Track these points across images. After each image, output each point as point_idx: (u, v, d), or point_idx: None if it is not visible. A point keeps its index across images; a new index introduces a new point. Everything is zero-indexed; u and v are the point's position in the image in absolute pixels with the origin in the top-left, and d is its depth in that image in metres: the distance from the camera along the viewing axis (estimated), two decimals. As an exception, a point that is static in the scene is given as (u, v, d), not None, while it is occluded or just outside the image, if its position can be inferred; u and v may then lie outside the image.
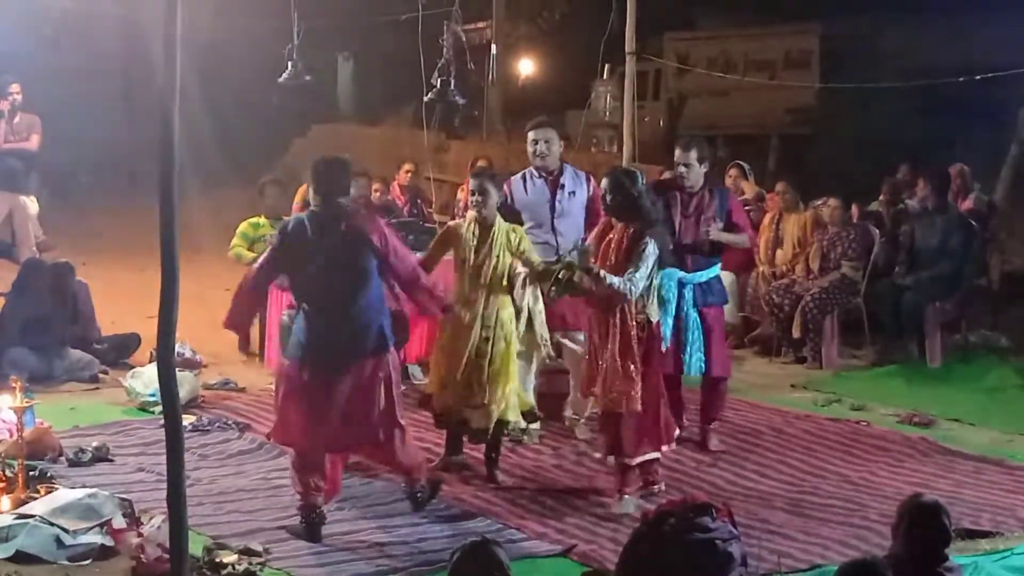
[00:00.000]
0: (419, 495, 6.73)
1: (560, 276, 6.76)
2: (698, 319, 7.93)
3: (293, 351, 6.55)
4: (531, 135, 8.29)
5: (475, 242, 7.26)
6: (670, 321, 7.61)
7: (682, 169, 8.02)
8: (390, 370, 6.51)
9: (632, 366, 6.75)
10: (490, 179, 7.43)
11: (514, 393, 7.33)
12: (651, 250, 6.74)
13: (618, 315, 6.75)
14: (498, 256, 7.23)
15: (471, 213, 7.37)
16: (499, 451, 7.46)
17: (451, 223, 7.52)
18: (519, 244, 7.30)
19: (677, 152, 8.09)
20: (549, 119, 8.54)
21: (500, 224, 7.30)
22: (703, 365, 7.99)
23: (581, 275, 6.71)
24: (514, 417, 7.35)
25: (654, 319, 6.85)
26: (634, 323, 6.78)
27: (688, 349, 7.87)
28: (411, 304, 6.95)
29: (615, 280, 6.64)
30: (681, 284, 7.82)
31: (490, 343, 7.21)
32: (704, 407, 8.18)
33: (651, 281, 6.78)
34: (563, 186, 8.23)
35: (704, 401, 8.20)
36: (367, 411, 6.45)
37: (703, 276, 7.99)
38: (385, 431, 6.53)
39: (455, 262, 7.42)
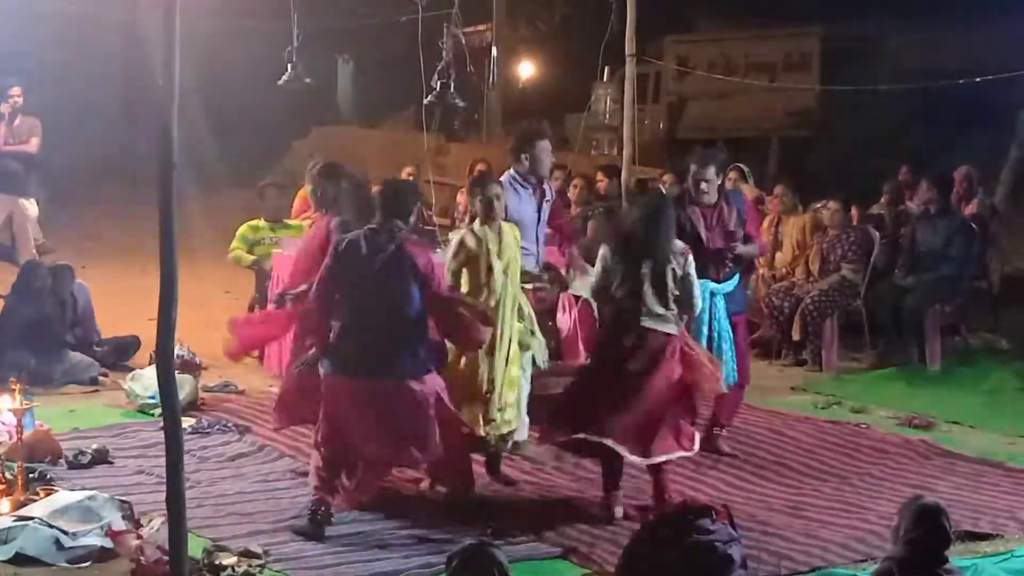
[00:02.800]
0: (459, 506, 6.82)
1: None
2: (730, 329, 7.94)
3: (334, 361, 6.60)
4: (546, 145, 8.18)
5: (498, 248, 7.18)
6: (705, 331, 7.68)
7: (703, 186, 7.89)
8: (432, 392, 6.58)
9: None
10: (494, 183, 7.35)
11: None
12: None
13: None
14: (512, 257, 7.21)
15: (477, 223, 7.26)
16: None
17: (465, 238, 7.24)
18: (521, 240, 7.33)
19: (694, 169, 7.91)
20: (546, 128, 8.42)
21: (504, 225, 7.28)
22: (735, 375, 7.98)
23: None
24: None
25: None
26: None
27: (722, 359, 7.84)
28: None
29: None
30: (712, 294, 7.82)
31: (508, 355, 7.19)
32: (720, 411, 8.11)
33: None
34: (544, 193, 8.10)
35: (721, 406, 8.10)
36: (396, 431, 6.55)
37: (730, 285, 8.01)
38: (426, 453, 6.63)
39: (474, 273, 7.21)
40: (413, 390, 6.53)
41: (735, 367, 7.93)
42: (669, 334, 6.83)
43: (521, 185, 7.94)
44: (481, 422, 7.13)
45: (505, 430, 7.27)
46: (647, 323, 6.79)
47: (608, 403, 6.76)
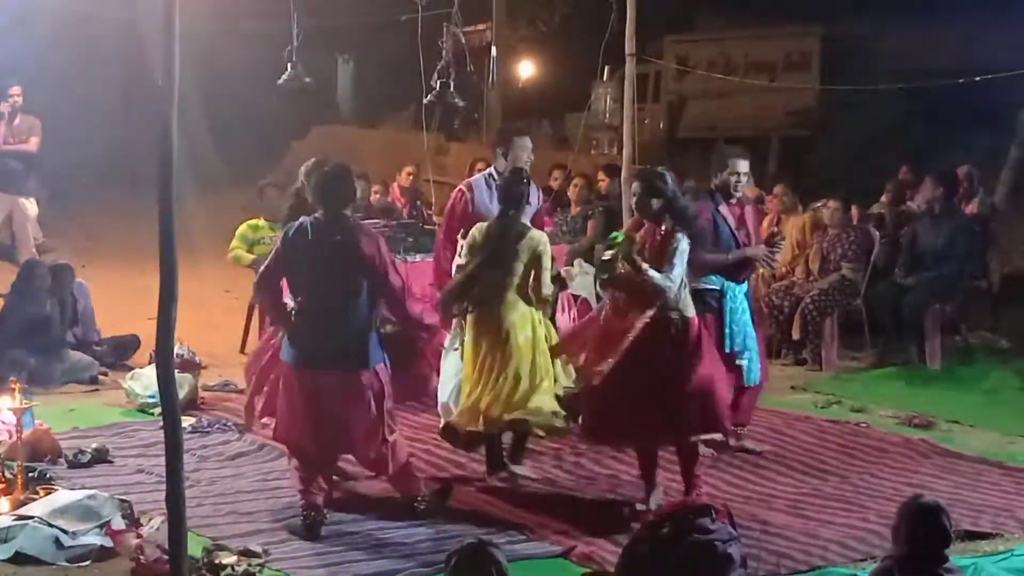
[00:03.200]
0: (420, 506, 6.72)
1: (607, 259, 6.74)
2: (753, 329, 7.98)
3: (286, 353, 6.63)
4: (527, 142, 8.21)
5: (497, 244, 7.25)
6: (736, 329, 7.76)
7: (742, 179, 7.96)
8: (379, 384, 6.54)
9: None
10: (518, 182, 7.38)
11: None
12: (684, 247, 6.73)
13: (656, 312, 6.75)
14: (513, 258, 7.20)
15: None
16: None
17: (474, 232, 7.35)
18: (535, 248, 7.25)
19: (734, 162, 7.92)
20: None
21: (520, 226, 7.28)
22: (759, 374, 8.02)
23: (623, 263, 6.70)
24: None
25: (690, 314, 6.83)
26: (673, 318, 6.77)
27: (747, 357, 7.87)
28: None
29: (655, 275, 6.63)
30: (735, 293, 7.87)
31: (522, 349, 7.17)
32: (739, 411, 7.99)
33: (683, 278, 6.81)
34: (528, 196, 7.89)
35: (740, 405, 8.03)
36: (353, 422, 6.52)
37: (745, 285, 8.06)
38: (373, 445, 6.59)
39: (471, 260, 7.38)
40: (361, 381, 6.48)
41: (758, 367, 7.98)
42: (687, 317, 6.83)
43: (495, 182, 8.00)
44: (499, 412, 7.12)
45: (536, 420, 7.19)
46: (668, 311, 6.75)
47: (645, 400, 6.70)
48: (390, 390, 6.64)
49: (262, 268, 6.78)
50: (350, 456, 6.98)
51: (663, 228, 6.81)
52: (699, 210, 7.53)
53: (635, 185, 7.04)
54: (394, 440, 6.68)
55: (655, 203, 6.85)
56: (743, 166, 7.98)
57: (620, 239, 6.81)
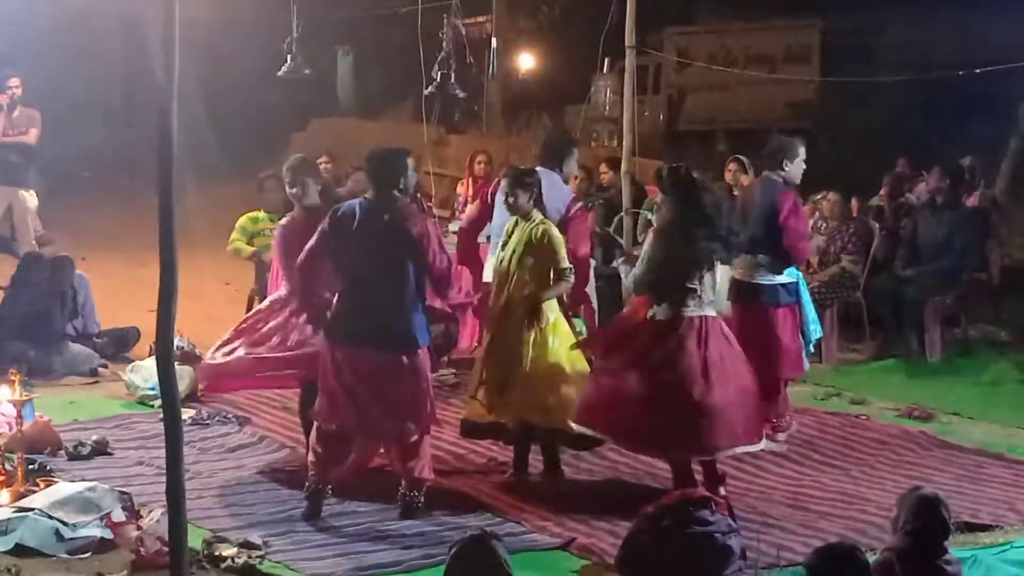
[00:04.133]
0: (413, 503, 6.66)
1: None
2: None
3: (329, 331, 6.64)
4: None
5: (505, 238, 7.27)
6: (811, 318, 8.05)
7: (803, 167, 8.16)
8: (418, 368, 6.55)
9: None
10: (515, 179, 7.31)
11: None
12: (644, 247, 6.80)
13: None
14: (522, 252, 7.18)
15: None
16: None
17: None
18: (541, 241, 7.18)
19: (802, 150, 8.14)
20: None
21: (533, 220, 7.21)
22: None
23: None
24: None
25: (707, 313, 6.83)
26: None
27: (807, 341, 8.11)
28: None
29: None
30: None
31: (535, 344, 7.15)
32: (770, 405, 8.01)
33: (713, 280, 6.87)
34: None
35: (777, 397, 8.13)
36: (389, 404, 6.52)
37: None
38: (403, 429, 6.58)
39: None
40: (404, 362, 6.50)
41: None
42: (714, 317, 6.84)
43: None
44: (518, 409, 7.13)
45: (554, 424, 7.16)
46: (696, 311, 6.75)
47: (683, 409, 6.63)
48: (428, 376, 6.65)
49: (307, 248, 6.70)
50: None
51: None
52: (784, 199, 7.83)
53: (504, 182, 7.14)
54: (425, 427, 6.67)
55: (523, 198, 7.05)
56: (804, 152, 8.16)
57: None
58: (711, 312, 6.82)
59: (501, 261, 7.28)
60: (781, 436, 8.02)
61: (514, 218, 7.32)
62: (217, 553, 5.91)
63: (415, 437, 6.62)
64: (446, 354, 7.65)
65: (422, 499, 6.68)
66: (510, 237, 7.26)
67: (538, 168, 7.70)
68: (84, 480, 6.64)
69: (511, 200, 7.24)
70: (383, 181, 6.65)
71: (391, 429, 6.63)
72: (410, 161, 6.86)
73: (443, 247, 6.72)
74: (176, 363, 5.02)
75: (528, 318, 7.08)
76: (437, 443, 7.72)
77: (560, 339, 7.19)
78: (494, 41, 18.18)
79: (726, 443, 6.75)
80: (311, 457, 6.71)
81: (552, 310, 7.20)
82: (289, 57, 9.79)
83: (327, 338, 6.65)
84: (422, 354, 6.60)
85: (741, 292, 8.04)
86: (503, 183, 7.40)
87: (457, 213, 11.74)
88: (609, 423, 6.84)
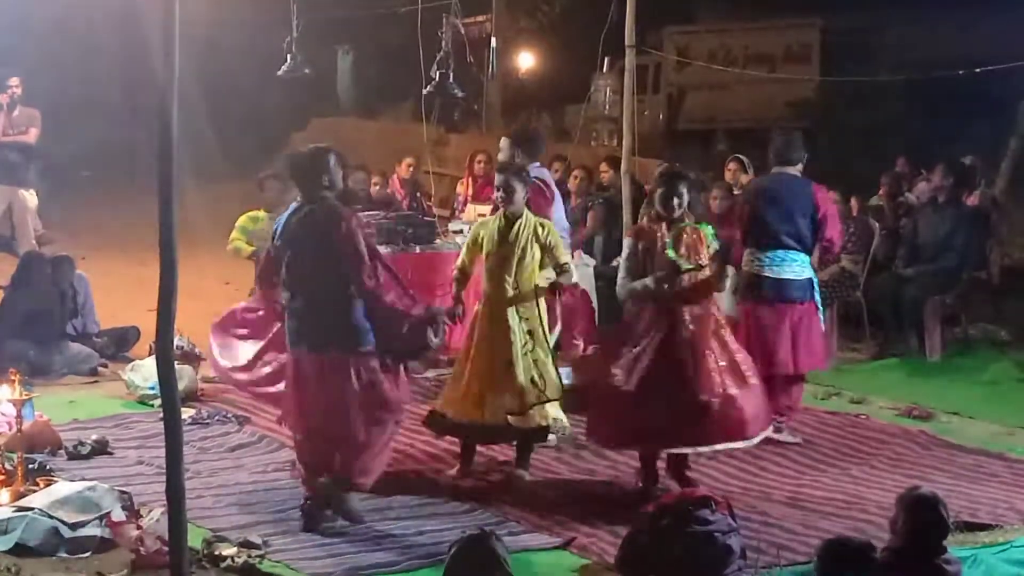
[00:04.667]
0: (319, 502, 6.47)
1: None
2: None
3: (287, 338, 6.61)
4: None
5: (497, 235, 7.20)
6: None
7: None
8: (357, 370, 6.39)
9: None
10: (515, 175, 7.31)
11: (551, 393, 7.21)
12: (623, 249, 6.84)
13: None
14: (524, 248, 7.17)
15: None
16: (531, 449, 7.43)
17: (478, 227, 7.34)
18: (547, 237, 7.22)
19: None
20: None
21: (528, 217, 7.24)
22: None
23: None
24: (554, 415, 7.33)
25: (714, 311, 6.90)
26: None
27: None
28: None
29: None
30: None
31: (524, 343, 7.15)
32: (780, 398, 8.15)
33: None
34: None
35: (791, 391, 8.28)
36: (332, 407, 6.42)
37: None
38: (347, 432, 6.45)
39: (473, 261, 7.38)
40: (341, 364, 6.38)
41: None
42: (711, 313, 6.85)
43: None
44: (505, 412, 7.11)
45: (536, 423, 7.20)
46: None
47: (678, 404, 6.67)
48: (380, 378, 6.47)
49: (262, 264, 6.78)
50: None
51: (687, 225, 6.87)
52: (819, 193, 8.04)
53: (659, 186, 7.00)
54: (376, 435, 6.51)
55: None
56: None
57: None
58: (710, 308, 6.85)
59: (489, 258, 7.22)
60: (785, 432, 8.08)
61: (490, 217, 7.27)
62: (217, 552, 5.90)
63: (361, 438, 6.45)
64: (419, 356, 7.52)
65: (339, 499, 6.47)
66: (491, 235, 7.19)
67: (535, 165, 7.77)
68: (84, 479, 6.63)
69: (509, 196, 7.17)
70: (307, 183, 6.53)
71: (338, 432, 6.47)
72: (332, 157, 6.59)
73: (373, 252, 6.49)
74: (176, 362, 5.03)
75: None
76: (434, 443, 7.73)
77: (538, 342, 7.20)
78: (494, 40, 18.11)
79: (720, 439, 6.79)
80: (300, 469, 6.67)
81: (533, 315, 7.21)
82: (289, 56, 9.80)
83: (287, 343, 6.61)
84: (362, 355, 6.40)
85: (768, 288, 8.06)
86: (497, 179, 7.31)
87: (457, 212, 11.75)
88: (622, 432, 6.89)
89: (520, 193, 7.22)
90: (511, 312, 7.15)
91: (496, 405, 7.12)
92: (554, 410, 7.31)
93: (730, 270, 7.50)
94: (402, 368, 6.64)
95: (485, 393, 7.14)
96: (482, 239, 7.27)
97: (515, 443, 7.39)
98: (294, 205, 6.59)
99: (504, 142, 8.51)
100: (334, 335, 6.41)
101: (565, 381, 7.22)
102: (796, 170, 8.16)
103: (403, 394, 6.65)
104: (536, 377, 7.12)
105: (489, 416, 7.14)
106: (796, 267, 8.04)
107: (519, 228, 7.18)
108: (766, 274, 8.03)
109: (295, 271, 6.49)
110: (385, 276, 6.47)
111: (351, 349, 6.42)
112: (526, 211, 7.25)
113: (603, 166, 12.34)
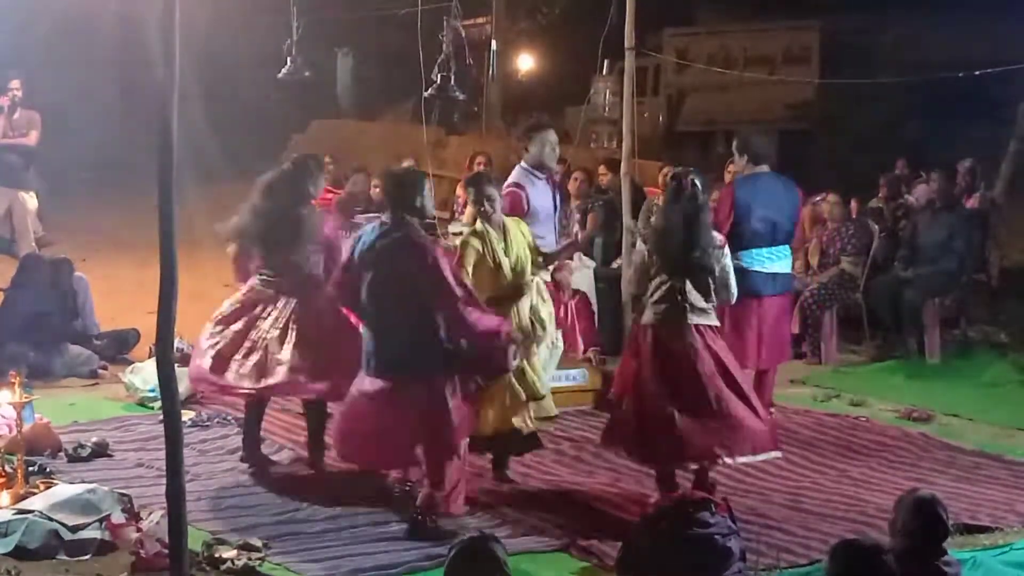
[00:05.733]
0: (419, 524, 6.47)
1: None
2: None
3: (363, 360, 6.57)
4: (549, 136, 8.17)
5: (504, 246, 7.13)
6: None
7: None
8: (438, 393, 6.36)
9: None
10: (489, 183, 7.30)
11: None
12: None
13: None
14: (521, 254, 7.16)
15: (477, 222, 7.21)
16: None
17: (470, 241, 7.13)
18: (529, 235, 7.26)
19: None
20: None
21: (507, 220, 7.24)
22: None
23: None
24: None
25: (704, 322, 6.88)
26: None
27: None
28: None
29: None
30: None
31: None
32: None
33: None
34: (556, 184, 8.21)
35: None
36: (405, 432, 6.44)
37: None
38: (418, 456, 6.49)
39: (483, 273, 7.11)
40: (418, 389, 6.38)
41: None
42: (713, 326, 6.85)
43: (534, 176, 7.99)
44: (527, 421, 7.09)
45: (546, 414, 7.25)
46: (694, 319, 6.76)
47: (684, 417, 6.62)
48: (456, 403, 6.40)
49: (334, 276, 6.81)
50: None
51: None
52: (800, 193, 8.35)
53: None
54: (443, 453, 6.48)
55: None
56: None
57: None
58: (706, 321, 6.83)
59: (515, 268, 7.14)
60: None
61: (474, 226, 7.21)
62: (217, 555, 5.91)
63: (436, 462, 6.45)
64: (492, 378, 7.22)
65: (432, 520, 6.46)
66: (500, 243, 7.14)
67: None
68: (84, 482, 6.64)
69: (495, 206, 7.12)
70: (397, 200, 6.56)
71: (410, 457, 6.53)
72: (427, 183, 6.66)
73: (458, 280, 6.45)
74: (176, 365, 5.03)
75: None
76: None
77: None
78: (494, 42, 18.19)
79: (741, 450, 6.73)
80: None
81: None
82: (289, 59, 9.80)
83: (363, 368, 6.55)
84: (438, 380, 6.39)
85: (761, 283, 8.20)
86: (481, 190, 7.19)
87: (456, 214, 11.74)
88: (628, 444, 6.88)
89: (499, 201, 7.22)
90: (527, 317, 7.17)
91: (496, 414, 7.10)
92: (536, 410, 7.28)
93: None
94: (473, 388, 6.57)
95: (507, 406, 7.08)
96: (482, 251, 7.08)
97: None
98: (377, 226, 6.57)
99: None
100: (416, 360, 6.37)
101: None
102: (767, 168, 8.52)
103: (471, 415, 6.62)
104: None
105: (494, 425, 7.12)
106: (783, 261, 8.41)
107: (510, 233, 7.18)
108: (752, 268, 8.17)
109: (376, 294, 6.47)
110: (470, 303, 6.43)
111: (432, 373, 6.38)
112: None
113: (602, 168, 12.34)
